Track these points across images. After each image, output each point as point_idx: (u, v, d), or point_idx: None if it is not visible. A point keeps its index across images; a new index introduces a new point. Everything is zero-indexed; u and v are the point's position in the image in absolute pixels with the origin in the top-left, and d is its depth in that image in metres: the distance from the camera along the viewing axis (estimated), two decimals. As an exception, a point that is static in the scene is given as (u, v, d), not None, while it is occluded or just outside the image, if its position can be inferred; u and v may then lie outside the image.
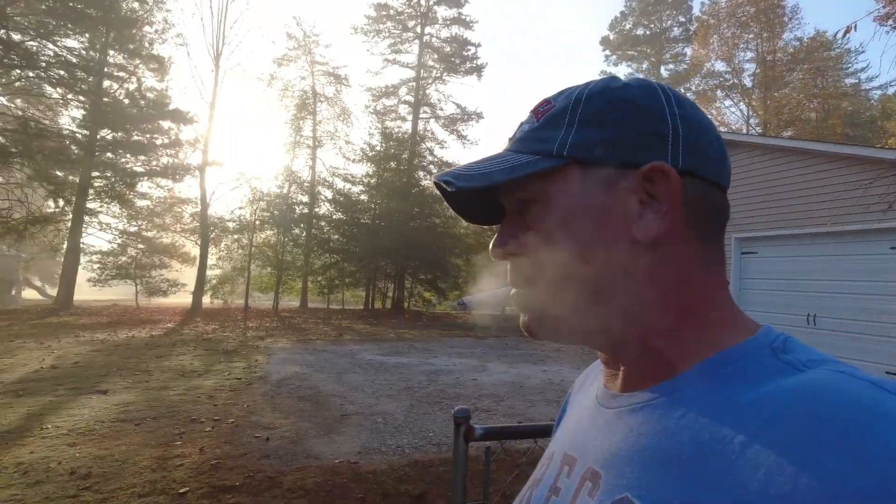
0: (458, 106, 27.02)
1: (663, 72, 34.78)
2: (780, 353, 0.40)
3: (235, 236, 21.72)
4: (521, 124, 0.51)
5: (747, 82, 29.46)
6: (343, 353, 9.60)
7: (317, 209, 23.35)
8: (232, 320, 15.49)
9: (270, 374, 7.37)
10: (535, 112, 0.50)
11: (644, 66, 35.44)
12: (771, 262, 8.69)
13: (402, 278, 23.02)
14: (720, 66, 30.63)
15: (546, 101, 0.50)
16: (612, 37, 35.46)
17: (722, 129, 30.52)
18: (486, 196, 0.53)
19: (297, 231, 22.67)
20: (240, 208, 21.75)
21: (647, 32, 34.31)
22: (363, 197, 23.78)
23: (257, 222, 21.31)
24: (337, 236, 22.94)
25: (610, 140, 0.45)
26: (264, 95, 37.01)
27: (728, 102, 30.88)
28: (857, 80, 27.59)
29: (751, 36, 28.84)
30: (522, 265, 0.49)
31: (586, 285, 0.45)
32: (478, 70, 26.66)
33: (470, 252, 22.05)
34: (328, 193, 23.87)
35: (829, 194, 7.71)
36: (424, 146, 25.56)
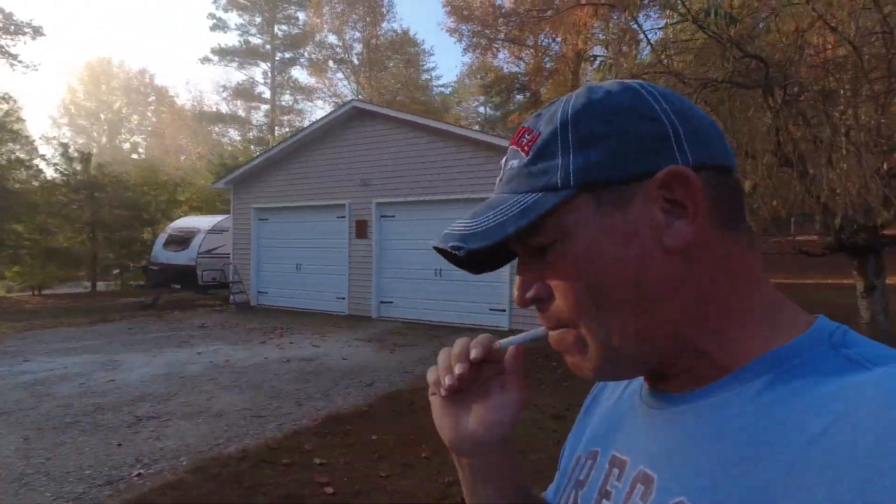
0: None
1: (277, 30, 34.62)
2: (840, 348, 0.39)
3: None
4: (507, 161, 0.49)
5: (355, 60, 32.59)
6: None
7: None
8: None
9: None
10: (519, 145, 0.47)
11: (257, 19, 34.34)
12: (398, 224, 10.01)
13: None
14: (333, 38, 32.68)
15: (527, 130, 0.47)
16: (224, -19, 32.73)
17: (335, 99, 33.05)
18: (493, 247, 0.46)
19: None
20: None
21: (263, -15, 33.17)
22: None
23: None
24: None
25: (611, 156, 0.42)
26: None
27: (340, 75, 33.46)
28: (429, 77, 34.58)
29: (357, 17, 31.84)
30: (555, 307, 0.46)
31: (629, 309, 0.43)
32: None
33: (37, 212, 16.19)
34: None
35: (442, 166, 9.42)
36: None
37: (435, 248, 0.48)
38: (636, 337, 0.43)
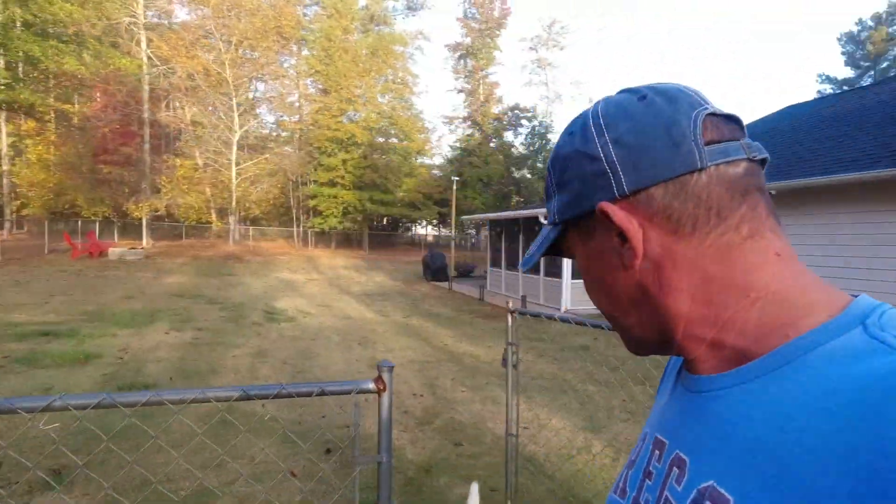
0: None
1: None
2: (874, 330, 0.38)
3: None
4: None
5: None
6: None
7: None
8: None
9: None
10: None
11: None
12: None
13: None
14: None
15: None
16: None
17: None
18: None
19: None
20: None
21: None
22: None
23: None
24: None
25: (574, 198, 0.50)
26: None
27: None
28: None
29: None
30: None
31: (621, 307, 0.51)
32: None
33: None
34: None
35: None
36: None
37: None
38: (638, 328, 0.51)
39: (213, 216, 30.58)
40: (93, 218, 25.80)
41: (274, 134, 36.53)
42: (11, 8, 14.54)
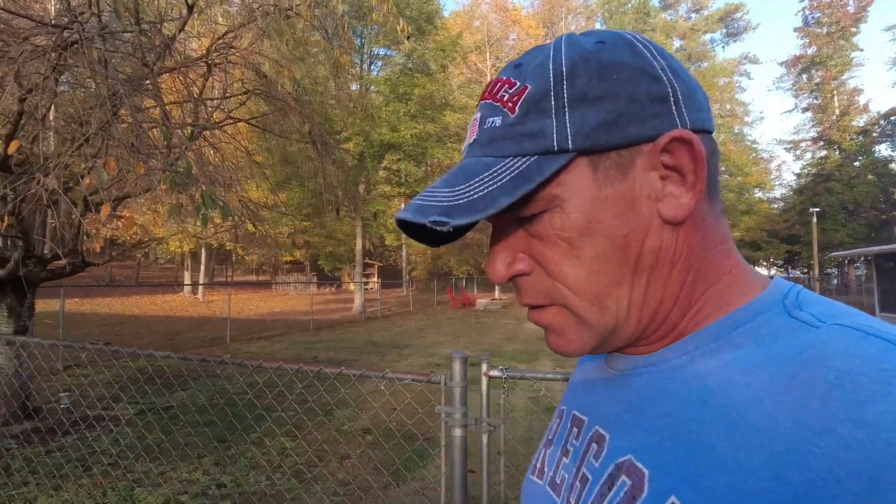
0: None
1: None
2: (793, 310, 0.38)
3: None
4: (484, 118, 0.42)
5: None
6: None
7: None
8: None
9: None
10: (499, 100, 0.41)
11: None
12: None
13: None
14: None
15: (508, 83, 0.42)
16: None
17: None
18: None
19: None
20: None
21: None
22: None
23: None
24: None
25: (613, 118, 0.38)
26: None
27: None
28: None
29: None
30: (544, 283, 0.43)
31: (627, 282, 0.40)
32: None
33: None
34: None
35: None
36: None
37: (400, 221, 0.41)
38: (636, 310, 0.41)
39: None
40: (459, 275, 32.11)
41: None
42: (424, 126, 20.26)
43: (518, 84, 0.41)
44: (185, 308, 16.73)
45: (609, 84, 0.39)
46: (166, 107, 3.97)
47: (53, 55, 2.71)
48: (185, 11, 3.94)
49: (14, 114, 3.01)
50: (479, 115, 0.43)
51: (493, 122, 0.41)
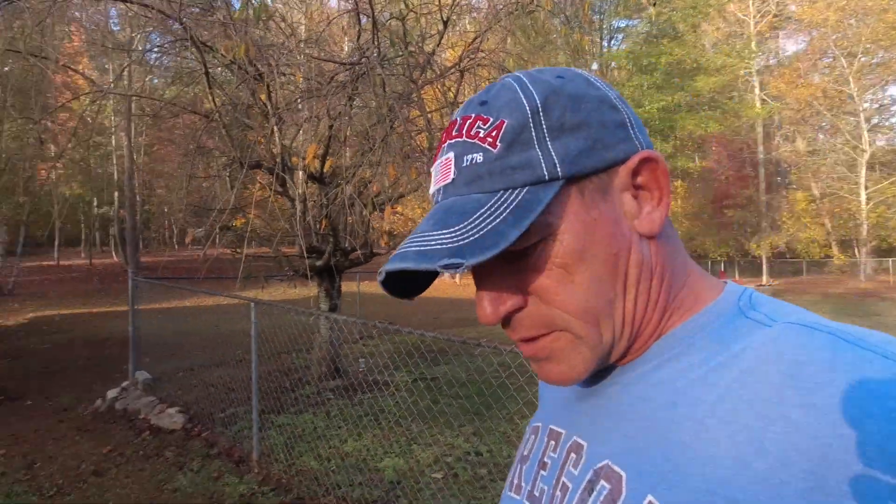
0: None
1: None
2: (748, 311, 0.42)
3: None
4: (460, 157, 0.42)
5: None
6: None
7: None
8: None
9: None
10: (475, 136, 0.42)
11: None
12: None
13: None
14: None
15: (481, 119, 0.42)
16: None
17: None
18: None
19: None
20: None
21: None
22: None
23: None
24: None
25: (591, 143, 0.41)
26: None
27: None
28: None
29: None
30: (535, 312, 0.43)
31: (620, 299, 0.42)
32: None
33: None
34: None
35: None
36: None
37: (388, 272, 0.42)
38: (628, 324, 0.43)
39: (835, 249, 27.39)
40: (718, 258, 28.39)
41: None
42: (676, 96, 18.45)
43: (492, 119, 0.42)
44: (445, 290, 18.86)
45: (581, 114, 0.41)
46: (429, 114, 4.54)
47: (349, 87, 3.36)
48: (441, 27, 4.41)
49: (326, 138, 3.86)
50: (450, 154, 0.43)
51: (473, 158, 0.42)
